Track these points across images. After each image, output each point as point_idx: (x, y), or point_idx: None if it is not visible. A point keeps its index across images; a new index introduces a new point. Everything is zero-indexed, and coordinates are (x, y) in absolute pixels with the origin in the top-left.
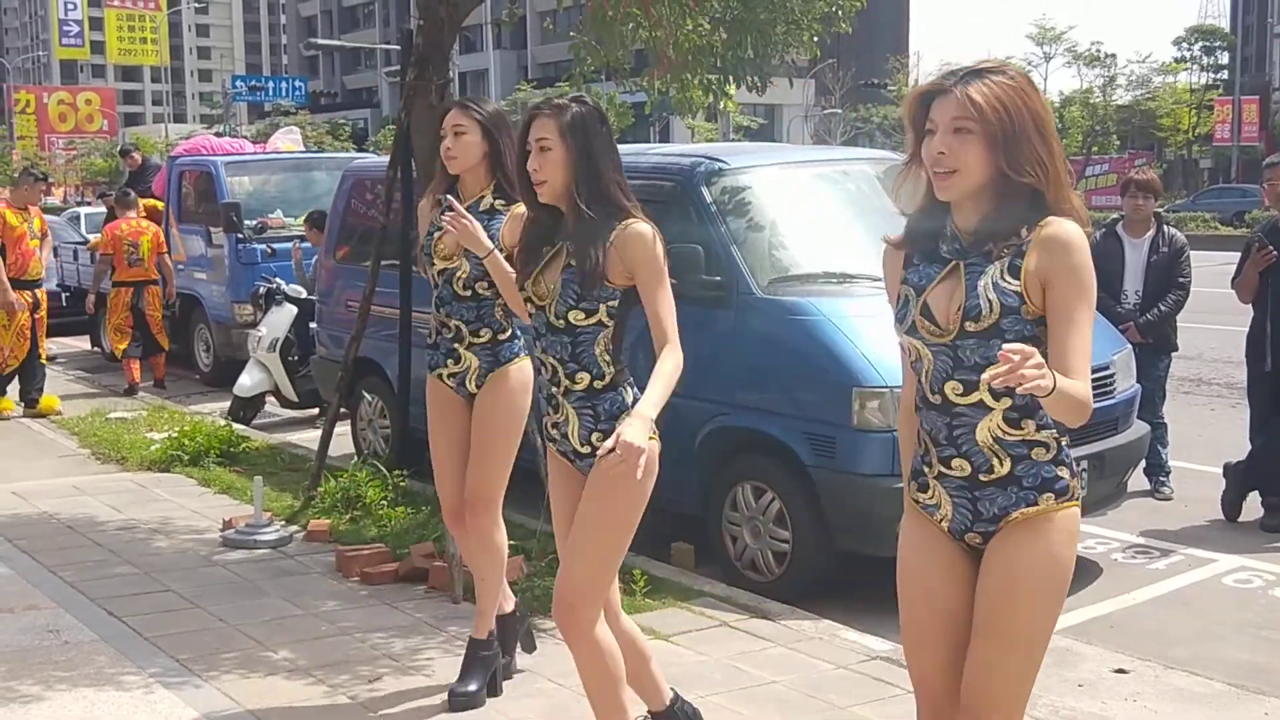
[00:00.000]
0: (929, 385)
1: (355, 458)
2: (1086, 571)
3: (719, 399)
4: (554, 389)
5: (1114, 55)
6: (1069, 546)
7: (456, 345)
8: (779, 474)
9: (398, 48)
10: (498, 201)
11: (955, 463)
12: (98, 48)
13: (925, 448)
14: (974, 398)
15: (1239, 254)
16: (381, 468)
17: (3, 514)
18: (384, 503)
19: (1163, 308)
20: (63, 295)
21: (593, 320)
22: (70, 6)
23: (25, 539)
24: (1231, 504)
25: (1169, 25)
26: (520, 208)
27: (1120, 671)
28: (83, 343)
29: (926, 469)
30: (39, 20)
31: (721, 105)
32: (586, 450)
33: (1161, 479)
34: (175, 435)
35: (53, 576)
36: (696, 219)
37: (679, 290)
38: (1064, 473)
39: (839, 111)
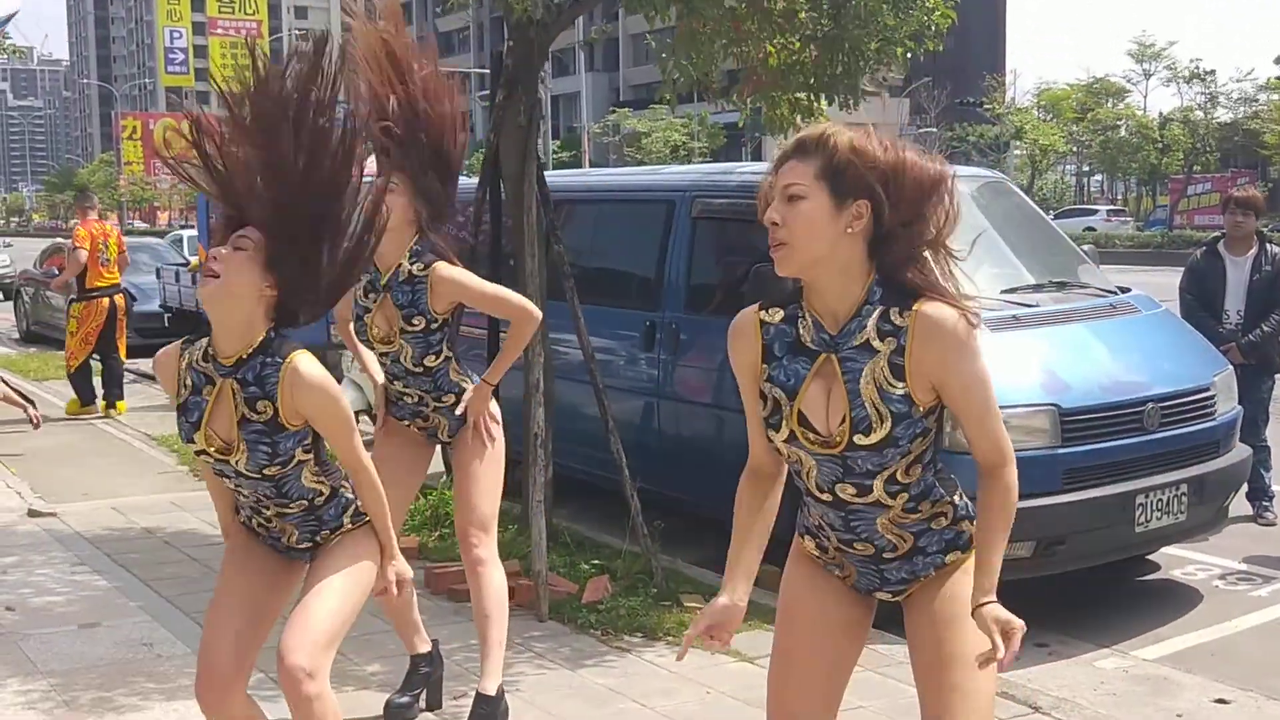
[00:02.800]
0: (814, 484)
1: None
2: (1186, 599)
3: None
4: (260, 517)
5: (1214, 72)
6: None
7: (422, 409)
8: None
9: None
10: (414, 266)
11: (857, 546)
12: (202, 75)
13: (820, 525)
14: (870, 498)
15: None
16: None
17: (103, 529)
18: None
19: (1265, 328)
20: (165, 316)
21: (292, 464)
22: (175, 35)
23: (124, 554)
24: None
25: (1271, 42)
26: (446, 268)
27: (1221, 702)
28: None
29: (825, 540)
30: (145, 49)
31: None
32: (305, 547)
33: (1264, 504)
34: None
35: (148, 590)
36: None
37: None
38: (966, 526)
39: (934, 130)
